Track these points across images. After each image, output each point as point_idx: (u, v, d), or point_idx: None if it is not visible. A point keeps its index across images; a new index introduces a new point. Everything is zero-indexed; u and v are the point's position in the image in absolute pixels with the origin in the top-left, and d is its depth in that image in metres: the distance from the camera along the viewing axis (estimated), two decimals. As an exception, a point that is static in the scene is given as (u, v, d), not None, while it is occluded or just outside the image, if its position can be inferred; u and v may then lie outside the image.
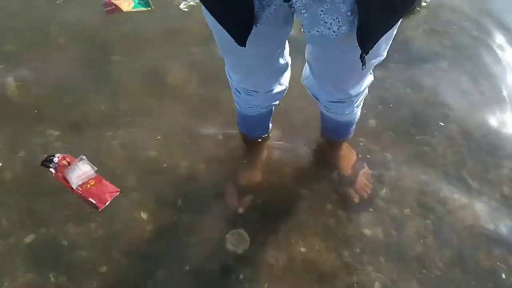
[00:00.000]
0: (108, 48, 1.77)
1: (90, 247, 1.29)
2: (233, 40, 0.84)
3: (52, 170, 1.43)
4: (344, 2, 0.76)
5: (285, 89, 1.21)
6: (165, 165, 1.45)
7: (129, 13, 1.74)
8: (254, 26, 0.83)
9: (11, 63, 1.72)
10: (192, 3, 1.89)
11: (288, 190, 1.42)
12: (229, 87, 1.24)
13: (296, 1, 0.78)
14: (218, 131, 1.53)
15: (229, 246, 1.29)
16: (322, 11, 0.78)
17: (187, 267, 1.26)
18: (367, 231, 1.33)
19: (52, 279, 1.23)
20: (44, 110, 1.59)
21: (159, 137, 1.51)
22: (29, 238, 1.31)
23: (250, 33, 0.82)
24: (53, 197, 1.38)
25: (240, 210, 1.35)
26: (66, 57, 1.74)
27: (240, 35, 0.83)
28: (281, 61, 1.08)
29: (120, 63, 1.73)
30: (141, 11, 1.71)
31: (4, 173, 1.43)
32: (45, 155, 1.45)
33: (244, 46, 0.84)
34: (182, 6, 1.88)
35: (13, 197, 1.38)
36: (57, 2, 1.91)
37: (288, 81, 1.20)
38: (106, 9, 1.74)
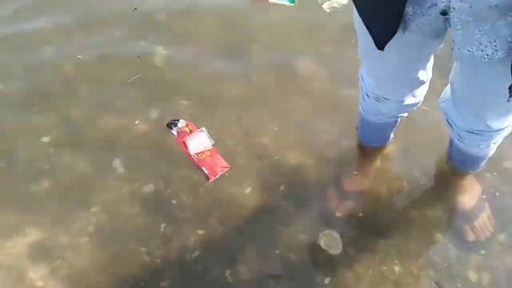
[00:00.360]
0: (249, 34, 1.86)
1: (194, 209, 1.38)
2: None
3: (174, 132, 1.56)
4: (508, 26, 0.70)
5: (418, 103, 1.16)
6: (277, 157, 1.48)
7: (273, 4, 1.82)
8: (402, 33, 0.81)
9: (160, 33, 1.89)
10: (336, 5, 1.90)
11: (394, 207, 1.36)
12: (355, 91, 1.23)
13: (453, 16, 0.74)
14: (333, 132, 1.53)
15: (322, 245, 1.29)
16: (479, 31, 0.73)
17: (277, 251, 1.28)
18: (473, 273, 1.22)
19: (162, 229, 1.34)
20: (181, 81, 1.72)
21: (276, 128, 1.56)
22: (148, 188, 1.44)
23: (391, 39, 0.81)
24: (173, 157, 1.50)
25: (339, 214, 1.33)
26: (210, 37, 1.87)
27: (381, 39, 0.82)
28: (422, 74, 1.03)
29: (257, 51, 1.80)
30: (285, 5, 1.77)
31: (139, 127, 1.59)
32: (172, 119, 1.59)
33: (382, 50, 0.83)
34: (325, 6, 1.91)
35: (141, 150, 1.53)
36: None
37: (423, 95, 1.15)
38: (255, -5, 1.83)
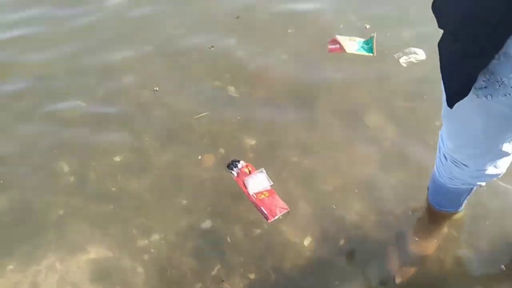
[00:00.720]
0: (321, 81, 1.86)
1: (248, 252, 1.36)
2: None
3: (234, 173, 1.57)
4: None
5: (499, 174, 1.08)
6: (334, 206, 1.45)
7: (351, 55, 1.81)
8: (487, 100, 0.78)
9: (233, 74, 1.94)
10: (413, 60, 1.87)
11: (457, 280, 1.27)
12: (429, 150, 1.18)
13: None
14: (400, 189, 1.47)
15: (377, 310, 1.22)
16: None
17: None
18: None
19: (215, 268, 1.34)
20: (247, 122, 1.75)
21: (338, 176, 1.53)
22: (206, 224, 1.45)
23: (460, 99, 0.78)
24: (232, 197, 1.51)
25: (399, 280, 1.26)
26: (281, 81, 1.90)
27: (451, 97, 0.80)
28: (507, 146, 0.97)
29: (327, 99, 1.80)
30: (362, 55, 1.75)
31: (202, 162, 1.63)
32: (232, 159, 1.60)
33: (451, 108, 0.82)
34: (402, 60, 1.88)
35: (202, 185, 1.56)
36: (289, 31, 2.13)
37: (506, 167, 1.07)
38: (330, 46, 1.83)
